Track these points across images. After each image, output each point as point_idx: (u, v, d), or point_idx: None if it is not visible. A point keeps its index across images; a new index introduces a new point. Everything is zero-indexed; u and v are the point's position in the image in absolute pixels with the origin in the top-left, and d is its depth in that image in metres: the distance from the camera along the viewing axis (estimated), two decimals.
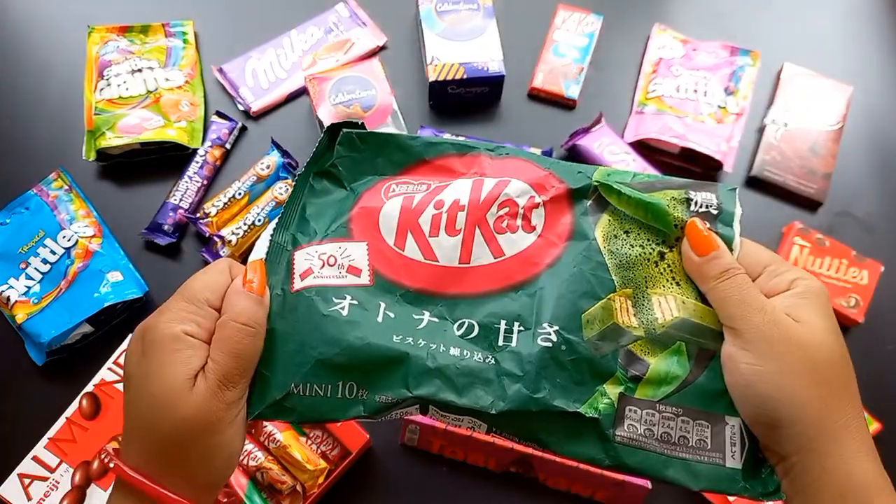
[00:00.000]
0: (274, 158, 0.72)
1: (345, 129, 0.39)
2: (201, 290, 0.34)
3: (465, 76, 0.73)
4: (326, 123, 0.70)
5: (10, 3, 0.83)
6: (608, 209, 0.37)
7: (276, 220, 0.38)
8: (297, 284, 0.36)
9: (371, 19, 0.82)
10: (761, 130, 0.78)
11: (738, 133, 0.76)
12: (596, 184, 0.37)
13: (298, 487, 0.58)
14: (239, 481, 0.58)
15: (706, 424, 0.34)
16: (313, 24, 0.81)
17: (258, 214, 0.69)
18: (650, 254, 0.36)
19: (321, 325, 0.35)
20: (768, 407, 0.32)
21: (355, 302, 0.36)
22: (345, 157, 0.39)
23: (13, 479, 0.59)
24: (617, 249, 0.36)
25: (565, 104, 0.79)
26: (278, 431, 0.59)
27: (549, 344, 0.35)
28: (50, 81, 0.78)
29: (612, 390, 0.34)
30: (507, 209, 0.37)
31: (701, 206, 0.36)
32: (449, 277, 0.37)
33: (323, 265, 0.37)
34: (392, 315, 0.36)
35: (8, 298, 0.65)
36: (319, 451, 0.60)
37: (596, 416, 0.34)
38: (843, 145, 0.77)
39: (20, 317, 0.64)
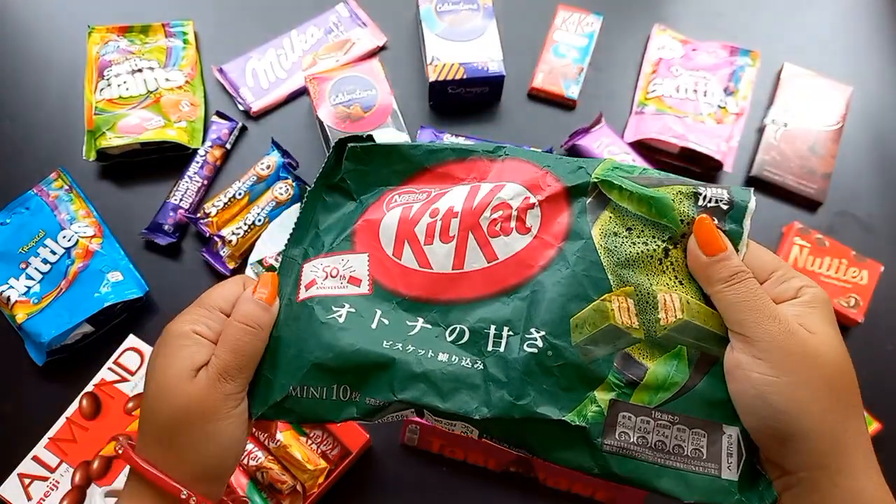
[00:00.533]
0: (274, 158, 0.72)
1: (350, 144, 0.40)
2: (215, 299, 0.37)
3: (465, 76, 0.73)
4: (327, 123, 0.70)
5: (10, 2, 0.83)
6: (609, 205, 0.36)
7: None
8: (302, 295, 0.38)
9: (371, 19, 0.82)
10: (761, 130, 0.78)
11: (738, 133, 0.76)
12: (596, 180, 0.36)
13: (298, 487, 0.58)
14: (239, 481, 0.58)
15: (703, 433, 0.33)
16: (313, 24, 0.81)
17: (258, 214, 0.69)
18: (654, 251, 0.35)
19: (319, 331, 0.36)
20: (781, 420, 0.30)
21: (353, 310, 0.37)
22: (353, 171, 0.41)
23: (13, 479, 0.59)
24: (616, 247, 0.35)
25: (565, 104, 0.79)
26: (279, 431, 0.59)
27: (535, 350, 0.34)
28: (50, 81, 0.78)
29: (603, 397, 0.34)
30: (500, 212, 0.37)
31: (710, 201, 0.34)
32: (443, 284, 0.37)
33: (326, 276, 0.38)
34: (386, 322, 0.37)
35: (8, 298, 0.65)
36: (319, 450, 0.60)
37: (583, 424, 0.33)
38: (843, 145, 0.77)
39: (20, 317, 0.64)
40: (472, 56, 0.74)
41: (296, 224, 0.40)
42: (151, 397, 0.35)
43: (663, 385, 0.34)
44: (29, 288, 0.65)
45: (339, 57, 0.79)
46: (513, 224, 0.37)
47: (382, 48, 0.81)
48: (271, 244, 0.67)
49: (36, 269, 0.66)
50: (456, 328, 0.36)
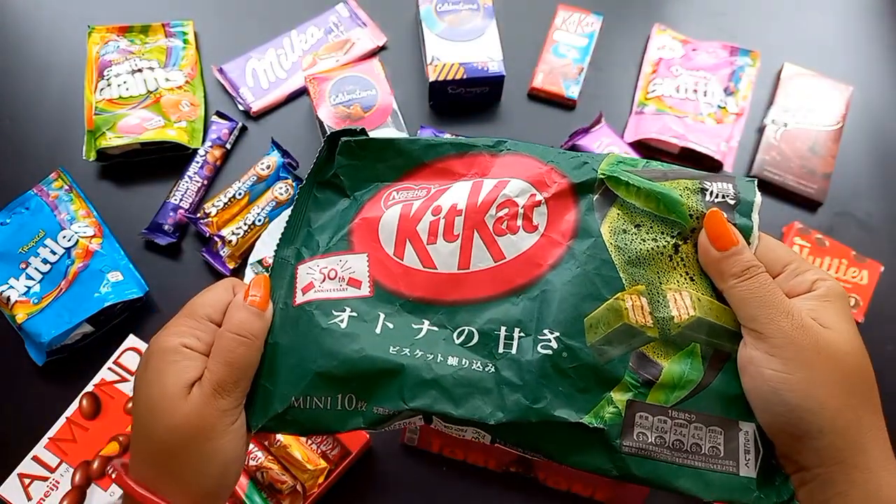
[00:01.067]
0: (274, 158, 0.72)
1: (343, 138, 0.39)
2: (203, 307, 0.35)
3: (465, 76, 0.73)
4: (327, 123, 0.70)
5: (10, 3, 0.83)
6: (616, 202, 0.35)
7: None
8: (299, 299, 0.36)
9: (371, 19, 0.82)
10: (761, 130, 0.78)
11: (738, 133, 0.76)
12: (602, 176, 0.35)
13: (298, 487, 0.58)
14: (239, 481, 0.58)
15: (719, 431, 0.32)
16: (313, 24, 0.81)
17: (258, 214, 0.69)
18: (664, 247, 0.34)
19: (320, 338, 0.35)
20: (795, 416, 0.30)
21: (354, 314, 0.35)
22: (346, 166, 0.39)
23: (13, 479, 0.59)
24: (626, 245, 0.34)
25: (565, 104, 0.79)
26: None
27: (550, 351, 0.33)
28: (50, 81, 0.78)
29: (619, 397, 0.33)
30: (506, 210, 0.36)
31: (717, 196, 0.34)
32: (448, 284, 0.36)
33: (324, 279, 0.36)
34: (391, 325, 0.35)
35: (8, 298, 0.65)
36: (319, 450, 0.60)
37: (601, 426, 0.32)
38: (843, 145, 0.77)
39: (20, 317, 0.64)
40: (472, 56, 0.74)
41: (287, 223, 0.38)
42: (143, 417, 0.33)
43: (679, 383, 0.33)
44: (29, 288, 0.65)
45: (339, 57, 0.79)
46: (519, 222, 0.36)
47: (382, 48, 0.81)
48: (271, 244, 0.67)
49: (36, 269, 0.66)
50: (464, 330, 0.35)
